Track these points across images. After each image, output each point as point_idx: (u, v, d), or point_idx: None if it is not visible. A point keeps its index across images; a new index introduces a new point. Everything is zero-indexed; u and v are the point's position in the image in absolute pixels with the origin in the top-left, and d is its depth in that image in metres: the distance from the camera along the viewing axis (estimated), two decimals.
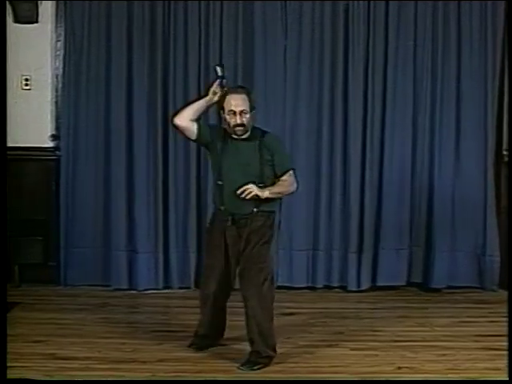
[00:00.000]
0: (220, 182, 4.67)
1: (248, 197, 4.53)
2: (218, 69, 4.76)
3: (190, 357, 4.86)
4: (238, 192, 4.52)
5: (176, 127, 4.80)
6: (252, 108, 4.66)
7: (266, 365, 4.68)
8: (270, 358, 4.72)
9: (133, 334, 5.34)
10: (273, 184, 4.66)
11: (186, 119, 4.70)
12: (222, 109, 4.67)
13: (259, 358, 4.69)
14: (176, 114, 4.82)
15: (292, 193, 4.84)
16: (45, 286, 6.53)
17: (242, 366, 4.67)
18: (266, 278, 4.67)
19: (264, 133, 4.72)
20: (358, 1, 6.47)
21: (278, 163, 4.67)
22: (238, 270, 4.77)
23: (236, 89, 4.79)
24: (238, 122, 4.59)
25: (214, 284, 4.78)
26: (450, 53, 6.54)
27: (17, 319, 5.58)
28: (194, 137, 4.74)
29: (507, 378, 4.29)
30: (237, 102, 4.59)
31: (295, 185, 4.77)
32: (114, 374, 4.52)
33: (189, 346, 4.99)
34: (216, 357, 4.85)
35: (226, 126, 4.71)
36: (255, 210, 4.62)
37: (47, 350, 4.95)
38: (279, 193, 4.69)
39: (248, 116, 4.61)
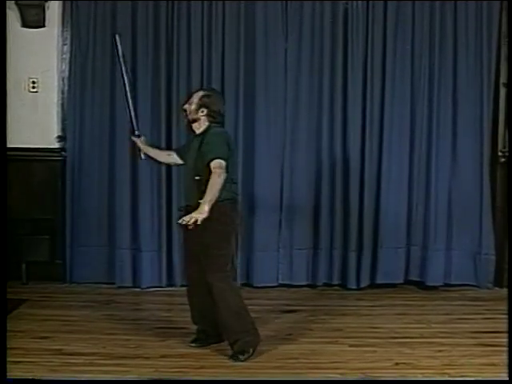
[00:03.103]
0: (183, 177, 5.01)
1: (191, 226, 4.57)
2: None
3: (192, 353, 4.91)
4: (184, 223, 4.61)
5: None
6: (201, 106, 4.87)
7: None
8: None
9: (137, 330, 5.39)
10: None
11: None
12: None
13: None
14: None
15: (220, 186, 4.60)
16: (51, 283, 6.58)
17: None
18: (223, 266, 4.77)
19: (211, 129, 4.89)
20: (357, 0, 6.54)
21: (204, 153, 4.71)
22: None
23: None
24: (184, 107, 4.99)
25: (190, 271, 4.99)
26: (447, 54, 6.60)
27: (24, 316, 5.67)
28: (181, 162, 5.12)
29: (507, 378, 4.28)
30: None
31: (220, 177, 4.60)
32: (118, 370, 4.58)
33: (191, 342, 5.06)
34: (218, 353, 4.91)
35: None
36: (200, 201, 4.63)
37: (53, 346, 5.00)
38: (211, 199, 4.57)
39: (193, 107, 4.88)
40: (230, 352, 4.84)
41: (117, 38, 5.34)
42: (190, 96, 5.01)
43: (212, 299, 4.81)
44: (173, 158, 5.26)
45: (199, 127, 4.89)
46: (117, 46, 5.33)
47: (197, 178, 4.72)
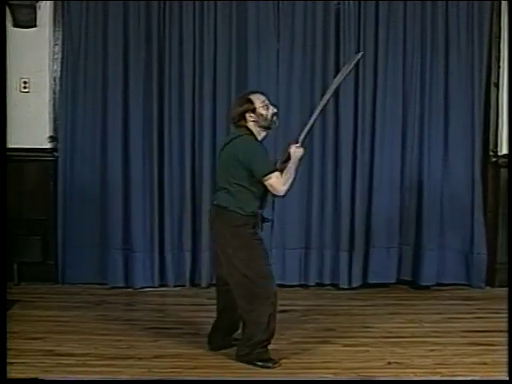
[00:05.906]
0: None
1: None
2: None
3: (185, 353, 4.92)
4: None
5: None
6: None
7: None
8: None
9: (129, 330, 5.40)
10: None
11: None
12: (252, 111, 4.71)
13: None
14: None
15: None
16: (43, 284, 6.58)
17: None
18: None
19: None
20: (348, 0, 6.55)
21: None
22: None
23: (254, 91, 4.95)
24: (275, 110, 4.76)
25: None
26: (438, 53, 6.61)
27: (16, 317, 5.65)
28: None
29: (507, 378, 4.31)
30: (264, 97, 4.76)
31: None
32: (110, 371, 4.58)
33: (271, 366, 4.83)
34: (211, 353, 4.92)
35: (258, 126, 4.74)
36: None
37: (45, 347, 5.01)
38: None
39: None
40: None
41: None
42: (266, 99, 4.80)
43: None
44: None
45: None
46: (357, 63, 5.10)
47: None
